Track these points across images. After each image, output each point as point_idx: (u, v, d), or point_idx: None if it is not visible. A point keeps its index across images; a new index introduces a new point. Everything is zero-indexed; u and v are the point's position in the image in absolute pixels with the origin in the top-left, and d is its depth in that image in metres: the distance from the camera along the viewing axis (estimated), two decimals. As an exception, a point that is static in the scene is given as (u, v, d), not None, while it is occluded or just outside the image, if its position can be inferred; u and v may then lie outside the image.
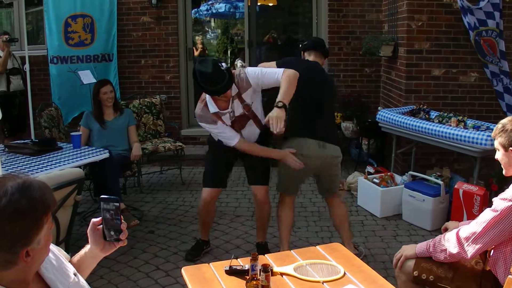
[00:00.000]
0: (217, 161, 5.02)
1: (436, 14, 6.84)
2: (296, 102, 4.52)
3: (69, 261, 2.24)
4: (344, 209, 5.07)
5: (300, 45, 5.35)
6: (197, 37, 12.93)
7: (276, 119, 4.02)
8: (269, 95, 4.60)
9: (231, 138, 4.66)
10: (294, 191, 5.01)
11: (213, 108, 4.58)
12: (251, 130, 4.78)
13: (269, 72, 4.42)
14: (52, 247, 2.05)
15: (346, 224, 5.00)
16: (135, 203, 6.77)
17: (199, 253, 5.19)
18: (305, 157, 4.61)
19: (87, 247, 2.24)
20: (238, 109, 4.61)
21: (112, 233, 2.13)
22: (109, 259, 4.92)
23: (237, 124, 4.68)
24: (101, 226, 2.15)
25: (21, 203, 1.73)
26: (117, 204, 2.09)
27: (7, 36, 7.94)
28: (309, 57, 5.07)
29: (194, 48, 11.96)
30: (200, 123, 4.74)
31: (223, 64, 4.35)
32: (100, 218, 2.14)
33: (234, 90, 4.49)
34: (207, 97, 4.58)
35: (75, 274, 2.12)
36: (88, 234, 2.18)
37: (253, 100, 4.61)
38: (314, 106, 4.78)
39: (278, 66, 4.76)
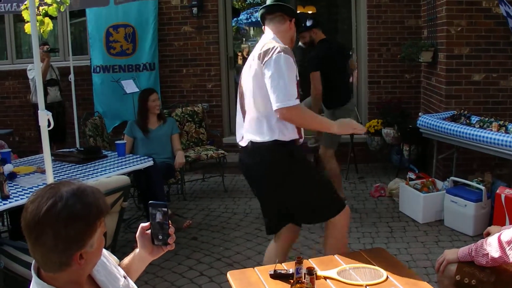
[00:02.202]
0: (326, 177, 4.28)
1: (475, 19, 6.80)
2: (333, 79, 6.20)
3: (119, 265, 2.31)
4: (336, 164, 6.41)
5: (304, 25, 6.33)
6: (242, 46, 13.17)
7: None
8: None
9: (295, 95, 3.52)
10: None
11: None
12: None
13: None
14: (103, 251, 2.12)
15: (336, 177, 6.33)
16: (178, 210, 6.86)
17: None
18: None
19: (135, 251, 2.31)
20: None
21: (160, 237, 2.19)
22: (154, 265, 5.00)
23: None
24: (150, 230, 2.22)
25: (76, 207, 1.80)
26: (166, 209, 2.15)
27: (47, 47, 8.06)
28: (319, 32, 6.41)
29: (239, 55, 12.20)
30: (277, 64, 3.48)
31: None
32: (149, 222, 2.21)
33: None
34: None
35: (125, 277, 2.19)
36: (137, 238, 2.25)
37: None
38: (343, 76, 6.51)
39: (316, 68, 6.11)
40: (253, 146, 3.69)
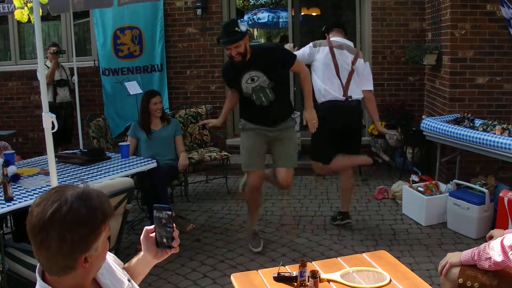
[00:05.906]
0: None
1: (479, 22, 6.80)
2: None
3: (123, 268, 2.31)
4: None
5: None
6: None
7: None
8: None
9: None
10: None
11: None
12: None
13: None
14: (108, 254, 2.12)
15: None
16: (182, 211, 6.85)
17: None
18: None
19: (140, 254, 2.30)
20: None
21: (165, 240, 2.18)
22: (157, 267, 4.93)
23: None
24: (154, 233, 2.22)
25: (81, 211, 1.79)
26: (170, 212, 2.14)
27: (54, 48, 8.06)
28: None
29: None
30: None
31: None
32: (153, 226, 2.20)
33: None
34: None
35: (129, 280, 2.19)
36: (141, 241, 2.24)
37: None
38: None
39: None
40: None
